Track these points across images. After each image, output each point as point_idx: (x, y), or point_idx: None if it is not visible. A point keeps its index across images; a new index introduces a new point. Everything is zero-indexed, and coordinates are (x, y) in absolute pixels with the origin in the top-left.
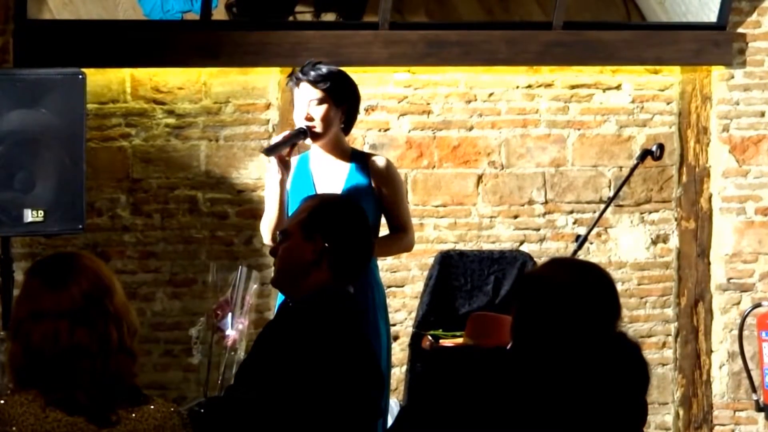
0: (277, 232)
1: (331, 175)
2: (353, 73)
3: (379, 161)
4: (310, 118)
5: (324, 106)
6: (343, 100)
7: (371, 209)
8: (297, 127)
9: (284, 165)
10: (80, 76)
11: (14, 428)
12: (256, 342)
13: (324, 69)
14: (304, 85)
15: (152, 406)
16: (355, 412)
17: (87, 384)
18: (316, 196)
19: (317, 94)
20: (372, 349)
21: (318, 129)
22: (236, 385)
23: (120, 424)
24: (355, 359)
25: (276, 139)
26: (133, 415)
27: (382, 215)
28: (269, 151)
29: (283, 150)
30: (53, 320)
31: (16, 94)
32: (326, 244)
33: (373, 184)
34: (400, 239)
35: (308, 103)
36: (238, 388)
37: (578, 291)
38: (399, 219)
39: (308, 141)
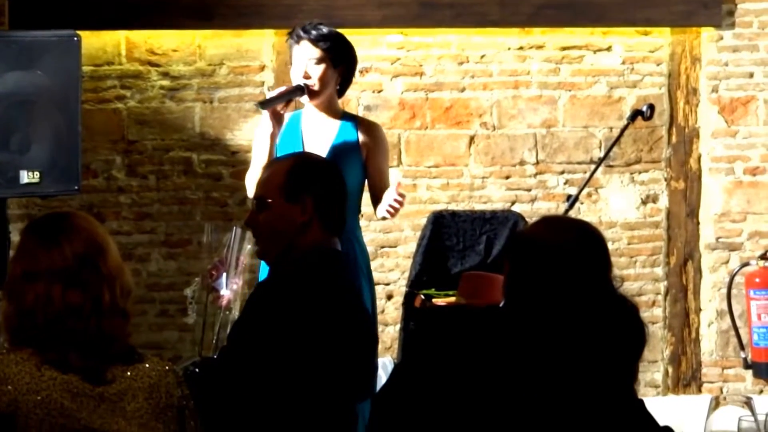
0: (252, 202)
1: (320, 134)
2: (347, 35)
3: (370, 125)
4: (308, 76)
5: (322, 66)
6: (340, 61)
7: (357, 170)
8: (295, 83)
9: (276, 119)
10: (75, 38)
11: (10, 387)
12: (248, 302)
13: (325, 30)
14: (305, 43)
15: (147, 365)
16: (351, 369)
17: (80, 345)
18: (282, 158)
19: (317, 53)
20: (365, 307)
21: (315, 87)
22: (229, 345)
23: (115, 382)
24: (351, 318)
25: (272, 93)
26: (128, 373)
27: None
28: (264, 104)
29: (278, 104)
30: (46, 282)
31: (11, 56)
32: (315, 203)
33: (361, 147)
34: None
35: (307, 62)
36: (232, 349)
37: (569, 249)
38: (383, 184)
39: (303, 99)
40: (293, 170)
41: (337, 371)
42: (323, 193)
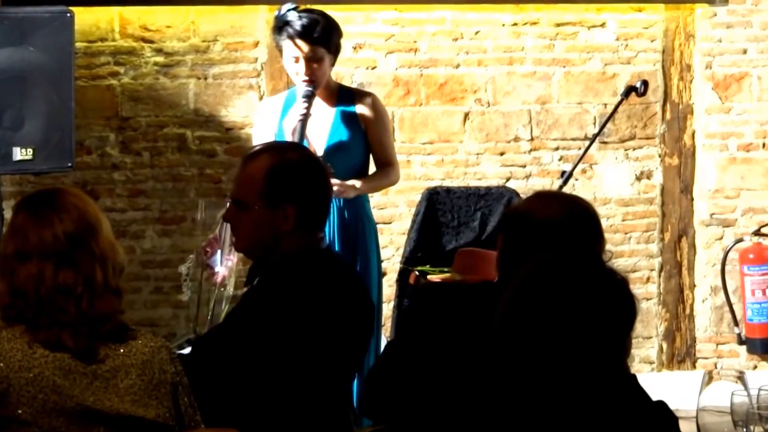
0: (228, 199)
1: (319, 114)
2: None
3: (367, 100)
4: (312, 77)
5: (322, 62)
6: (334, 44)
7: (360, 147)
8: (302, 90)
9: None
10: (68, 15)
11: (2, 364)
12: (236, 309)
13: (307, 20)
14: (301, 43)
15: (140, 341)
16: (342, 372)
17: (72, 324)
18: (256, 155)
19: (315, 51)
20: (368, 296)
21: (319, 83)
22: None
23: (107, 360)
24: (346, 320)
25: (300, 120)
26: (121, 350)
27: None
28: (302, 134)
29: (308, 119)
30: (38, 261)
31: (3, 33)
32: (298, 211)
33: (360, 121)
34: (388, 174)
35: (307, 62)
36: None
37: (561, 223)
38: (386, 155)
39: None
40: (272, 174)
41: (331, 375)
42: (306, 199)
